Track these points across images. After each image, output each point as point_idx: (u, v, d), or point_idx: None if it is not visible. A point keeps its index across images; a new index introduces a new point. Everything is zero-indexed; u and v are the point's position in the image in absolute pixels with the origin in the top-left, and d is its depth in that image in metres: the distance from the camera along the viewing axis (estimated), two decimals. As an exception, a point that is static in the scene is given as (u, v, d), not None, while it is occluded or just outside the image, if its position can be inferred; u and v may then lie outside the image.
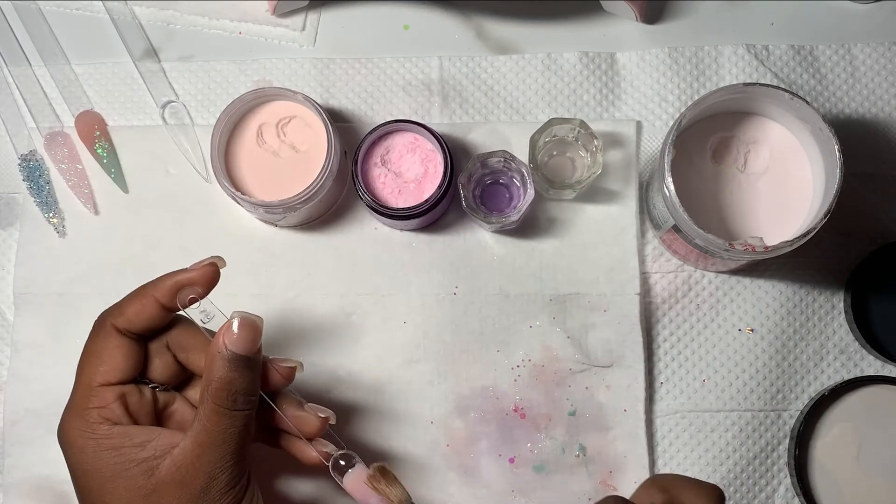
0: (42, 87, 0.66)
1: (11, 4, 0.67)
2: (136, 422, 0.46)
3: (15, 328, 0.63)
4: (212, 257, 0.49)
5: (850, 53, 0.65)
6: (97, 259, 0.63)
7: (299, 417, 0.49)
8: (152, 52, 0.67)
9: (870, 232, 0.63)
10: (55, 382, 0.61)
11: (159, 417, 0.49)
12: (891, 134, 0.64)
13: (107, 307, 0.64)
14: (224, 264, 0.49)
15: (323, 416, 0.49)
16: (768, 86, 0.56)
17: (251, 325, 0.46)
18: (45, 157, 0.65)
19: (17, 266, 0.63)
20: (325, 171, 0.58)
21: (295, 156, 0.61)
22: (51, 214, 0.64)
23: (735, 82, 0.62)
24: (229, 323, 0.45)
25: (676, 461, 0.61)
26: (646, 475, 0.60)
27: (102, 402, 0.46)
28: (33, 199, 0.64)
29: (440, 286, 0.62)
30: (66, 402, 0.61)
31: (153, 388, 0.49)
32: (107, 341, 0.47)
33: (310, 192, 0.58)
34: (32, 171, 0.64)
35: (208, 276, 0.48)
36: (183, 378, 0.51)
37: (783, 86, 0.59)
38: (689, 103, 0.57)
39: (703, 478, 0.60)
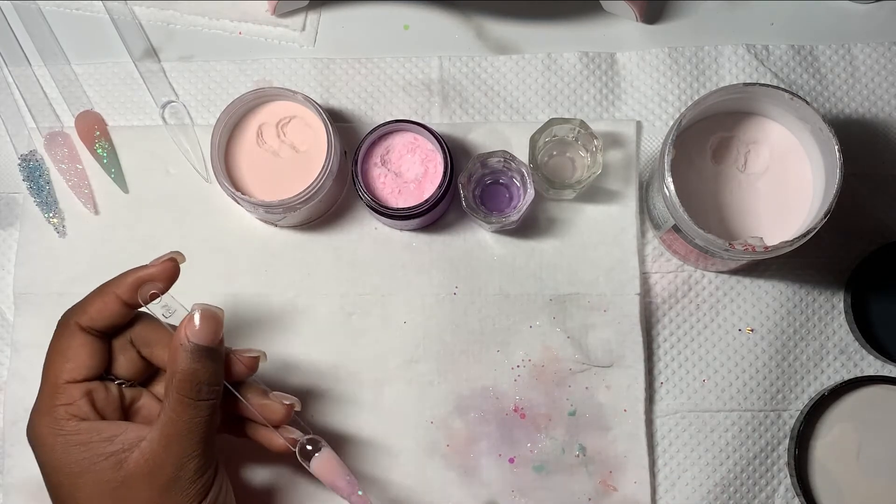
0: (42, 87, 0.66)
1: (11, 4, 0.67)
2: (103, 418, 0.47)
3: (15, 328, 0.63)
4: (171, 252, 0.49)
5: (850, 53, 0.65)
6: (97, 259, 0.63)
7: (264, 406, 0.50)
8: (152, 52, 0.67)
9: (870, 232, 0.63)
10: (55, 382, 0.61)
11: (126, 413, 0.49)
12: (891, 134, 0.64)
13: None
14: (183, 259, 0.49)
15: (287, 403, 0.50)
16: (768, 86, 0.56)
17: (212, 316, 0.46)
18: (45, 157, 0.65)
19: (17, 266, 0.63)
20: (325, 171, 0.58)
21: (295, 156, 0.61)
22: (51, 214, 0.64)
23: (735, 82, 0.62)
24: (191, 315, 0.46)
25: (676, 461, 0.61)
26: (646, 475, 0.60)
27: (69, 399, 0.46)
28: (33, 199, 0.64)
29: (440, 286, 0.62)
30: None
31: (119, 384, 0.49)
32: (71, 340, 0.48)
33: (310, 192, 0.58)
34: (32, 171, 0.64)
35: (168, 271, 0.49)
36: (148, 374, 0.51)
37: (783, 86, 0.59)
38: (689, 103, 0.57)
39: (703, 478, 0.60)
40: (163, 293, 0.48)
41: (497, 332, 0.62)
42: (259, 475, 0.60)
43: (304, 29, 0.67)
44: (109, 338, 0.49)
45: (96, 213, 0.64)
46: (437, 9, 0.67)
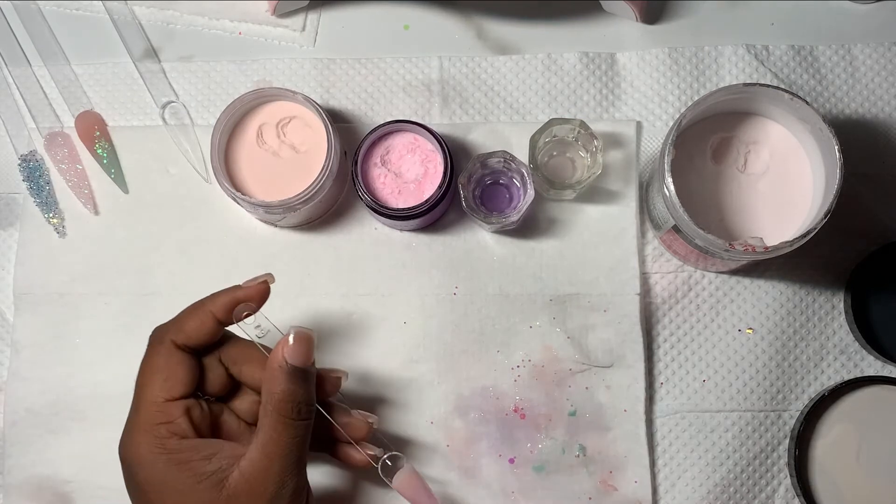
0: (42, 87, 0.66)
1: (11, 4, 0.67)
2: (200, 435, 0.48)
3: (15, 328, 0.63)
4: (264, 275, 0.51)
5: (850, 53, 0.65)
6: (97, 259, 0.63)
7: (349, 424, 0.52)
8: (152, 52, 0.67)
9: (870, 232, 0.63)
10: (55, 382, 0.61)
11: (214, 429, 0.50)
12: (891, 134, 0.64)
13: (108, 308, 0.64)
14: (273, 281, 0.51)
15: (370, 421, 0.53)
16: (768, 86, 0.56)
17: (306, 338, 0.48)
18: (45, 158, 0.65)
19: (17, 266, 0.63)
20: (325, 171, 0.58)
21: (295, 156, 0.61)
22: (51, 214, 0.64)
23: (735, 82, 0.62)
24: (286, 337, 0.47)
25: (676, 461, 0.61)
26: (646, 475, 0.60)
27: (169, 416, 0.47)
28: (33, 199, 0.64)
29: (440, 286, 0.62)
30: (65, 403, 0.61)
31: (206, 400, 0.50)
32: (169, 358, 0.48)
33: (310, 192, 0.58)
34: (32, 172, 0.64)
35: (261, 292, 0.50)
36: (230, 389, 0.52)
37: (783, 86, 0.59)
38: (689, 103, 0.57)
39: (703, 478, 0.60)
40: (255, 313, 0.50)
41: (497, 333, 0.62)
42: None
43: (304, 29, 0.67)
44: (200, 355, 0.50)
45: (96, 213, 0.64)
46: (437, 9, 0.67)
